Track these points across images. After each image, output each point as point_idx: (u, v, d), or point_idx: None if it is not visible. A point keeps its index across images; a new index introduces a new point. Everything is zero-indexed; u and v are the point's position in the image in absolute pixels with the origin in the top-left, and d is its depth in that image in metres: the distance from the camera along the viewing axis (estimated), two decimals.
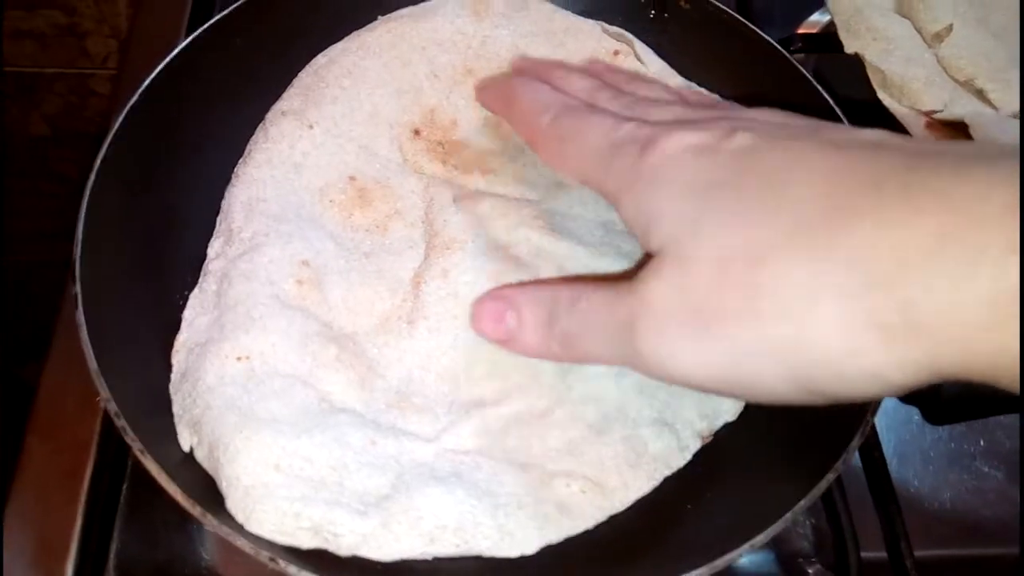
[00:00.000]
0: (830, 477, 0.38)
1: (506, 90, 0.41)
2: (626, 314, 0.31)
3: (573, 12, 0.54)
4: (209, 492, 0.36)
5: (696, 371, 0.30)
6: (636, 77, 0.46)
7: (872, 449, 0.48)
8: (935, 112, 0.51)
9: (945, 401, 0.43)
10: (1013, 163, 0.25)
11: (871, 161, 0.27)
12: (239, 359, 0.39)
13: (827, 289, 0.26)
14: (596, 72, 0.44)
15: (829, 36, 0.57)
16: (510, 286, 0.41)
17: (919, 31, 0.54)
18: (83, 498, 0.44)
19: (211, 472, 0.37)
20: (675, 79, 0.52)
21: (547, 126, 0.37)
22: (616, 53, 0.53)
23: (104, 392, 0.36)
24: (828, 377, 0.27)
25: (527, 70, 0.45)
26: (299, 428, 0.37)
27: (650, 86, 0.43)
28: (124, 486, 0.46)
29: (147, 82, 0.44)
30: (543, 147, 0.38)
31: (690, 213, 0.29)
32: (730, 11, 0.52)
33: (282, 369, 0.39)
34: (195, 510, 0.35)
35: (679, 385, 0.32)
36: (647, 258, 0.32)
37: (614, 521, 0.39)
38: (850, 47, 0.54)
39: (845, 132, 0.30)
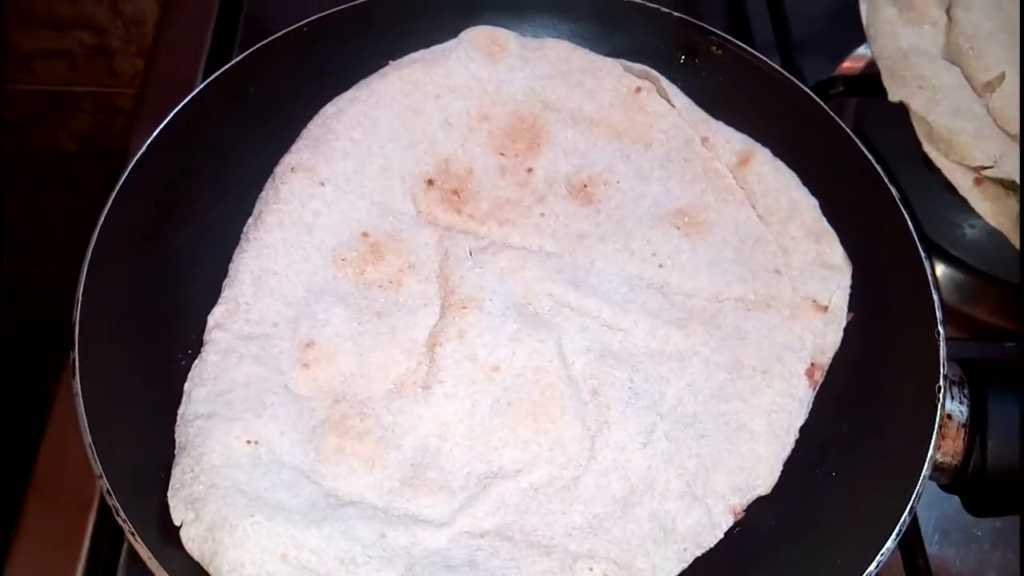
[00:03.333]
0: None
1: None
2: None
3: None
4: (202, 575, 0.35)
5: None
6: None
7: (909, 534, 0.45)
8: (985, 168, 0.47)
9: (987, 492, 0.40)
10: None
11: None
12: (248, 442, 0.38)
13: None
14: None
15: (871, 78, 0.54)
16: None
17: (968, 79, 0.50)
18: (82, 564, 0.43)
19: (203, 553, 0.35)
20: (703, 118, 0.50)
21: None
22: (638, 90, 0.50)
23: (97, 468, 0.35)
24: None
25: None
26: (308, 519, 0.36)
27: None
28: (123, 548, 0.45)
29: (155, 134, 0.43)
30: None
31: None
32: (765, 59, 0.49)
33: (288, 461, 0.38)
34: None
35: None
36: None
37: None
38: (894, 95, 0.50)
39: None
